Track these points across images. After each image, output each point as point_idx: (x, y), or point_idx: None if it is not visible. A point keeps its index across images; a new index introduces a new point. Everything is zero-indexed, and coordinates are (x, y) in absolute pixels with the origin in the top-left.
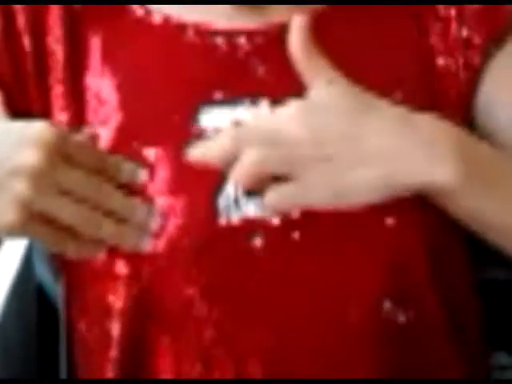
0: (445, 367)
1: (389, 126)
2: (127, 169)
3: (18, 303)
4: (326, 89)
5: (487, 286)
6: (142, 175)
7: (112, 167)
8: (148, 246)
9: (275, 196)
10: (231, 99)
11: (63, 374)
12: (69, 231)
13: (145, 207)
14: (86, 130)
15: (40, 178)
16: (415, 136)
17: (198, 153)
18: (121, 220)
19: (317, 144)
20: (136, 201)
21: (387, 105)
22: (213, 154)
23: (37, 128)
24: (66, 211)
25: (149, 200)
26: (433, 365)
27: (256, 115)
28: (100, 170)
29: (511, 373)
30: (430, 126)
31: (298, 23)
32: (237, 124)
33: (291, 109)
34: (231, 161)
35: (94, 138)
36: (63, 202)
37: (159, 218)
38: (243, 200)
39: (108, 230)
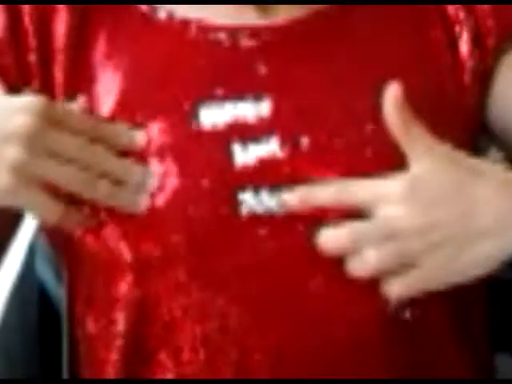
0: (450, 366)
1: (496, 193)
2: (124, 132)
3: (20, 303)
4: (427, 161)
5: (491, 285)
6: (140, 138)
7: (108, 132)
8: (143, 205)
9: (400, 287)
10: (232, 96)
11: (65, 375)
12: (62, 199)
13: (140, 167)
14: (80, 100)
15: (32, 141)
16: None
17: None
18: (116, 182)
19: (430, 232)
20: (131, 161)
21: (487, 166)
22: (330, 246)
23: (26, 98)
24: (59, 173)
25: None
26: (439, 363)
27: (365, 188)
28: (96, 137)
29: None
30: None
31: (393, 92)
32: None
33: (398, 191)
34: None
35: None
36: (57, 164)
37: (155, 178)
38: (265, 195)
39: (103, 190)
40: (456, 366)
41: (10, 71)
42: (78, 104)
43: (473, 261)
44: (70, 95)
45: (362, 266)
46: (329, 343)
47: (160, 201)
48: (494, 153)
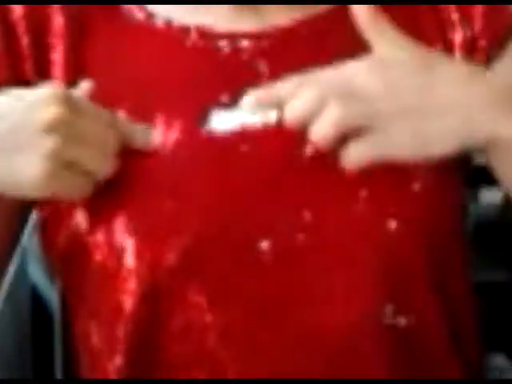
0: (444, 369)
1: (458, 77)
2: (139, 131)
3: (13, 306)
4: (392, 46)
5: (486, 287)
6: (155, 136)
7: (123, 127)
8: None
9: (360, 148)
10: (239, 102)
11: (59, 377)
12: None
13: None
14: (84, 84)
15: (63, 129)
16: (484, 87)
17: (265, 101)
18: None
19: (393, 97)
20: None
21: (452, 59)
22: (295, 112)
23: (48, 88)
24: (88, 158)
25: None
26: (433, 367)
27: (328, 71)
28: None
29: (510, 374)
30: (494, 79)
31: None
32: (312, 80)
33: (362, 64)
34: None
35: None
36: (85, 149)
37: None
38: None
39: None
40: (450, 369)
41: (6, 84)
42: (82, 88)
43: (434, 133)
44: None
45: (324, 124)
46: (325, 350)
47: (172, 205)
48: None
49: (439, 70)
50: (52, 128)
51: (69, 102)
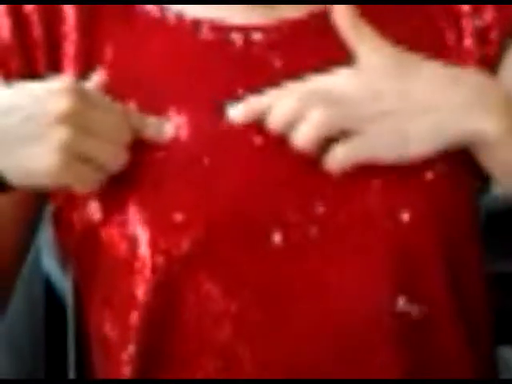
0: (456, 361)
1: (437, 80)
2: (152, 123)
3: (26, 298)
4: (373, 53)
5: (495, 279)
6: (168, 129)
7: (136, 121)
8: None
9: (344, 150)
10: (253, 94)
11: (72, 371)
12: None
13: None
14: (96, 76)
15: (75, 121)
16: (463, 88)
17: (250, 114)
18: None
19: (375, 101)
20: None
21: (433, 62)
22: (278, 118)
23: (60, 81)
24: (100, 150)
25: None
26: (445, 359)
27: (312, 80)
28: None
29: None
30: (476, 80)
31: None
32: (293, 90)
33: (344, 73)
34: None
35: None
36: (97, 141)
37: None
38: None
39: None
40: (462, 360)
41: (18, 75)
42: (94, 80)
43: (414, 134)
44: None
45: (306, 128)
46: (338, 342)
47: (186, 195)
48: None
49: (417, 74)
50: (64, 120)
51: (81, 94)
